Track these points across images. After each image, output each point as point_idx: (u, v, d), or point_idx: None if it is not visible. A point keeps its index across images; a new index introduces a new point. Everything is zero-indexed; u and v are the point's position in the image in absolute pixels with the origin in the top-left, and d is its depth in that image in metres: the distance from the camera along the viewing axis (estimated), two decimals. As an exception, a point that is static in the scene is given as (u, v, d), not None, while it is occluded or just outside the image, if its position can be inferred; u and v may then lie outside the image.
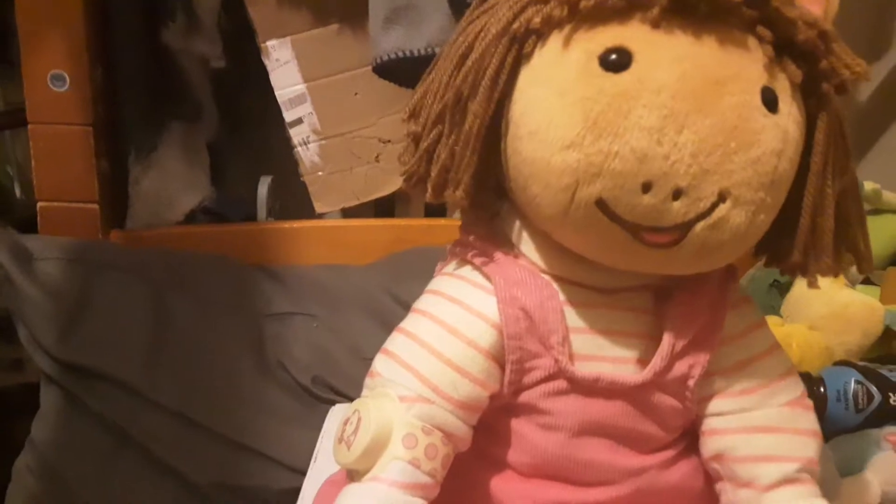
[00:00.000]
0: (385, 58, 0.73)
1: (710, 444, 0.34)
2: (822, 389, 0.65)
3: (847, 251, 0.33)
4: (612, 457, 0.33)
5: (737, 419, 0.33)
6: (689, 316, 0.32)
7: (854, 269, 0.80)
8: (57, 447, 0.58)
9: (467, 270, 0.34)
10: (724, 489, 0.33)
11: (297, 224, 0.80)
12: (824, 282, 0.82)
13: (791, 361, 0.35)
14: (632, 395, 0.32)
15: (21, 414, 0.68)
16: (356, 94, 0.82)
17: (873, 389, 0.63)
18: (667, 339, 0.32)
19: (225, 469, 0.58)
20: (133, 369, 0.59)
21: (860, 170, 1.03)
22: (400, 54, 0.72)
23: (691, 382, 0.33)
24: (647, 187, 0.27)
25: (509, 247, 0.34)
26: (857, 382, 0.64)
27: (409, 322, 0.34)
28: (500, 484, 0.34)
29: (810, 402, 0.35)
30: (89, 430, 0.58)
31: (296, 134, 0.80)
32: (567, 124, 0.28)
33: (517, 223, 0.34)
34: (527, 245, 0.34)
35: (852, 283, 0.78)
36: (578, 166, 0.28)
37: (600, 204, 0.28)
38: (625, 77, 0.27)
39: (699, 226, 0.28)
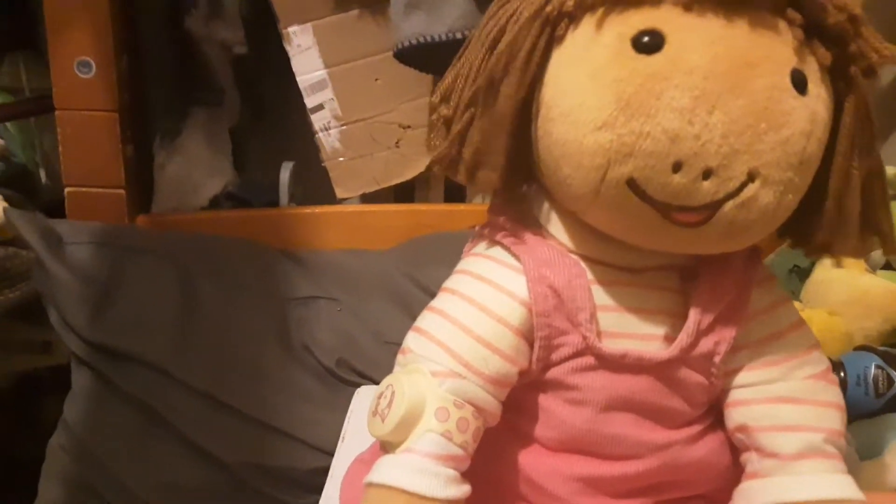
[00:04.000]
0: (406, 43, 0.73)
1: (735, 416, 0.34)
2: (841, 374, 0.65)
3: (872, 233, 0.33)
4: (638, 431, 0.34)
5: (761, 390, 0.34)
6: (715, 293, 0.33)
7: (876, 253, 0.80)
8: (89, 427, 0.59)
9: (496, 251, 0.35)
10: (750, 459, 0.34)
11: (318, 209, 0.81)
12: (844, 267, 0.82)
13: (815, 338, 0.35)
14: (658, 370, 0.33)
15: (50, 395, 0.70)
16: (377, 79, 0.82)
17: (893, 374, 0.63)
18: (693, 315, 0.32)
19: (253, 449, 0.59)
20: (162, 350, 0.61)
21: (882, 154, 1.03)
22: (421, 40, 0.72)
23: (717, 359, 0.33)
24: (677, 167, 0.28)
25: (537, 228, 0.35)
26: (878, 367, 0.64)
27: (440, 301, 0.35)
28: (528, 458, 0.35)
29: (835, 378, 0.35)
30: (120, 410, 0.60)
31: (317, 120, 0.81)
32: (599, 105, 0.28)
33: (546, 204, 0.35)
34: (555, 226, 0.34)
35: (873, 269, 0.78)
36: (611, 147, 0.28)
37: (631, 184, 0.29)
38: (657, 59, 0.28)
39: (728, 205, 0.28)
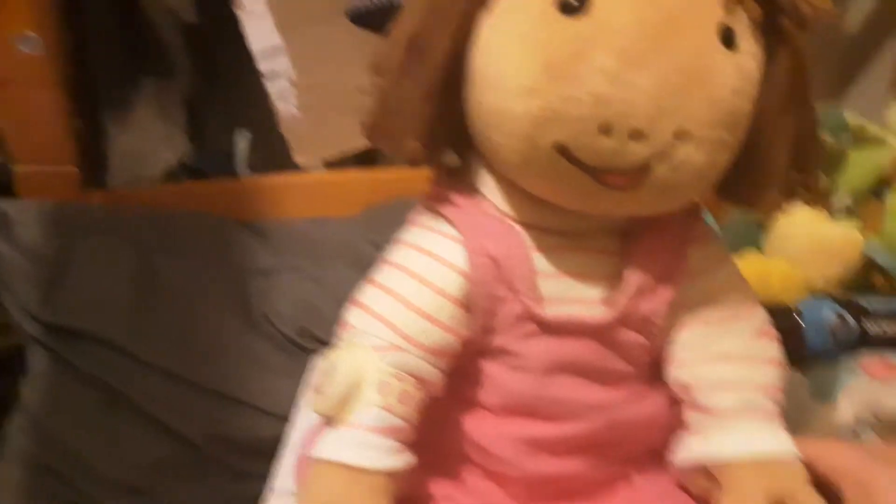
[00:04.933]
0: (362, 7, 0.71)
1: (674, 373, 0.35)
2: (799, 321, 0.66)
3: (799, 188, 0.33)
4: (581, 393, 0.34)
5: (699, 349, 0.34)
6: (652, 254, 0.33)
7: (838, 200, 0.80)
8: (48, 407, 0.59)
9: (436, 221, 0.35)
10: (690, 417, 0.34)
11: (278, 178, 0.79)
12: (806, 217, 0.83)
13: (755, 294, 0.36)
14: (599, 333, 0.33)
15: (10, 375, 0.69)
16: (333, 43, 0.80)
17: (849, 319, 0.64)
18: (630, 278, 0.32)
19: (216, 422, 0.59)
20: (118, 328, 0.60)
21: (846, 101, 1.03)
22: (375, 1, 0.71)
23: (656, 319, 0.33)
24: (606, 130, 0.27)
25: (477, 196, 0.34)
26: (834, 312, 0.65)
27: (380, 274, 0.35)
28: (474, 422, 0.35)
29: (774, 333, 0.35)
30: (79, 390, 0.59)
31: (273, 86, 0.79)
32: (526, 71, 0.28)
33: (484, 172, 0.34)
34: (494, 193, 0.34)
35: (834, 216, 0.78)
36: (539, 113, 0.28)
37: (561, 149, 0.28)
38: (583, 21, 0.27)
39: (659, 167, 0.28)
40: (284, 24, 0.80)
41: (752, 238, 0.82)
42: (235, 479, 0.58)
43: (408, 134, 0.31)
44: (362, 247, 0.70)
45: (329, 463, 0.31)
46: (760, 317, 0.35)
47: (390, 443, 0.32)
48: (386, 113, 0.32)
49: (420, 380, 0.33)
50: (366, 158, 0.87)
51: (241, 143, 0.80)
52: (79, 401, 0.59)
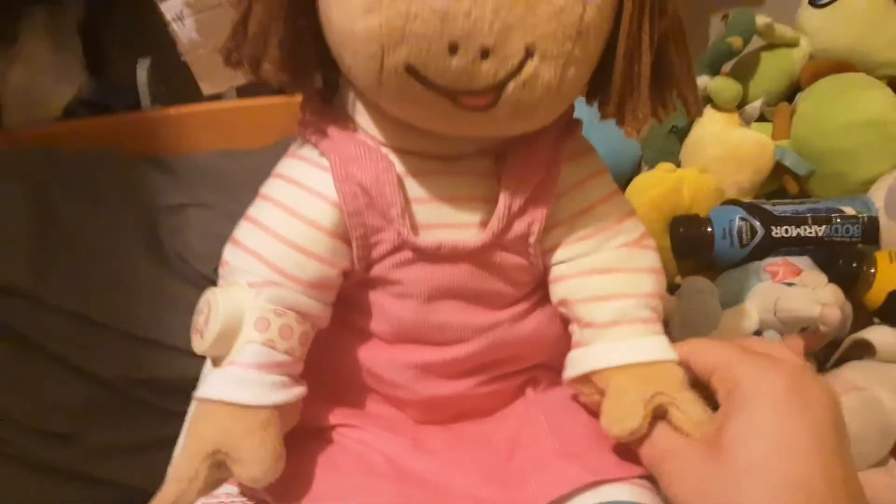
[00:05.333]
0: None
1: (555, 291, 0.35)
2: (709, 229, 0.68)
3: (670, 95, 0.32)
4: (464, 317, 0.34)
5: (575, 265, 0.34)
6: (523, 175, 0.32)
7: (751, 107, 0.80)
8: (-43, 359, 0.57)
9: (306, 150, 0.34)
10: (573, 330, 0.35)
11: (184, 109, 0.76)
12: (719, 123, 0.83)
13: (630, 207, 0.36)
14: (475, 257, 0.33)
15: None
16: (232, -41, 0.76)
17: (756, 224, 0.66)
18: (502, 200, 0.32)
19: (134, 363, 0.58)
20: (21, 274, 0.58)
21: (766, 7, 1.02)
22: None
23: (532, 239, 0.33)
24: (453, 48, 0.26)
25: (347, 122, 0.33)
26: (742, 219, 0.67)
27: (254, 208, 0.34)
28: (365, 351, 0.36)
29: (650, 243, 0.35)
30: (-12, 340, 0.58)
31: (167, 9, 0.74)
32: None
33: (351, 96, 0.33)
34: (363, 118, 0.33)
35: (747, 122, 0.79)
36: (381, 31, 0.26)
37: (410, 70, 0.27)
38: None
39: (511, 85, 0.27)
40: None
41: (672, 149, 0.83)
42: (157, 418, 0.58)
43: (263, 58, 0.30)
44: (277, 177, 0.69)
45: (212, 401, 0.31)
46: (635, 228, 0.35)
47: (274, 377, 0.32)
48: (239, 36, 0.30)
49: (301, 313, 0.33)
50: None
51: (142, 72, 0.76)
52: (-12, 351, 0.58)
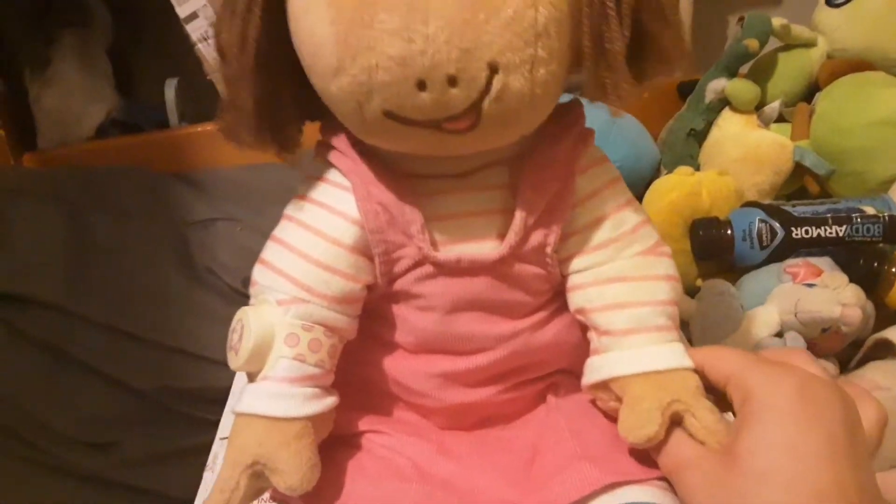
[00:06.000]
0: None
1: (573, 299, 0.36)
2: (728, 231, 0.68)
3: (657, 62, 0.31)
4: (485, 327, 0.35)
5: (592, 274, 0.35)
6: (539, 186, 0.33)
7: (769, 108, 0.80)
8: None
9: (328, 171, 0.35)
10: (591, 337, 0.36)
11: (210, 126, 0.78)
12: (738, 125, 0.83)
13: (645, 213, 0.36)
14: (493, 269, 0.34)
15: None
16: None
17: (776, 226, 0.67)
18: (518, 214, 0.33)
19: (165, 373, 0.60)
20: (57, 290, 0.61)
21: (783, 8, 1.02)
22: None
23: (549, 249, 0.34)
24: (421, 86, 0.27)
25: (363, 144, 0.35)
26: (762, 221, 0.67)
27: (279, 229, 0.35)
28: (391, 361, 0.37)
29: (666, 250, 0.36)
30: (28, 352, 0.60)
31: (193, 30, 0.77)
32: (328, 53, 0.27)
33: None
34: (374, 147, 0.34)
35: (766, 124, 0.79)
36: (352, 88, 0.28)
37: (389, 114, 0.28)
38: None
39: (485, 103, 0.28)
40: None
41: (690, 152, 0.83)
42: (191, 427, 0.60)
43: (249, 126, 0.31)
44: (301, 189, 0.71)
45: (248, 416, 0.32)
46: (650, 235, 0.36)
47: (306, 390, 0.33)
48: (229, 115, 0.32)
49: (329, 328, 0.34)
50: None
51: (170, 91, 0.78)
52: (28, 364, 0.60)
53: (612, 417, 0.35)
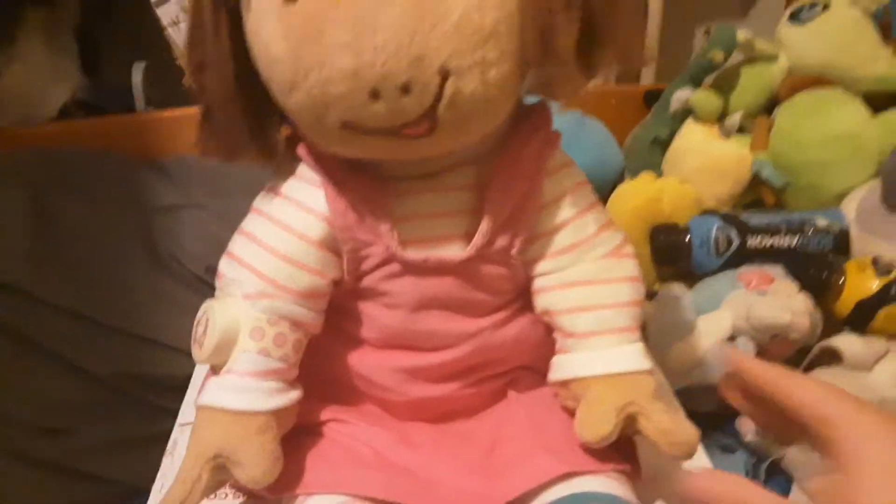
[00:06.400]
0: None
1: (538, 302, 0.37)
2: (687, 238, 0.70)
3: (609, 51, 0.31)
4: (448, 324, 0.36)
5: (556, 277, 0.36)
6: (506, 189, 0.34)
7: (730, 120, 0.82)
8: (-44, 356, 0.59)
9: (301, 168, 0.35)
10: (557, 338, 0.37)
11: (178, 112, 0.77)
12: (700, 135, 0.85)
13: (607, 218, 0.37)
14: (459, 269, 0.35)
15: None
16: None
17: (733, 234, 0.69)
18: (486, 216, 0.34)
19: (127, 360, 0.60)
20: (19, 272, 0.59)
21: (748, 21, 1.04)
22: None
23: (514, 251, 0.35)
24: (374, 95, 0.27)
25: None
26: (719, 229, 0.69)
27: (248, 222, 0.36)
28: (357, 356, 0.37)
29: (629, 251, 0.37)
30: (-15, 336, 0.59)
31: (164, 14, 0.76)
32: (283, 69, 0.28)
33: None
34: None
35: (727, 134, 0.81)
36: (306, 102, 0.28)
37: (346, 125, 0.29)
38: (303, 4, 0.27)
39: (440, 108, 0.28)
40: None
41: (654, 159, 0.85)
42: (151, 415, 0.59)
43: (234, 140, 0.32)
44: (267, 179, 0.70)
45: (211, 409, 0.33)
46: (613, 238, 0.37)
47: (270, 384, 0.33)
48: (206, 131, 0.32)
49: (294, 322, 0.34)
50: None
51: (137, 75, 0.77)
52: (-15, 347, 0.59)
53: (571, 412, 0.36)
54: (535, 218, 0.35)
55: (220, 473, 0.33)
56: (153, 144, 0.75)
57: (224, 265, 0.35)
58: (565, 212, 0.36)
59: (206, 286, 0.65)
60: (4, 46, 0.75)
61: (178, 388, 0.61)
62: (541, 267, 0.36)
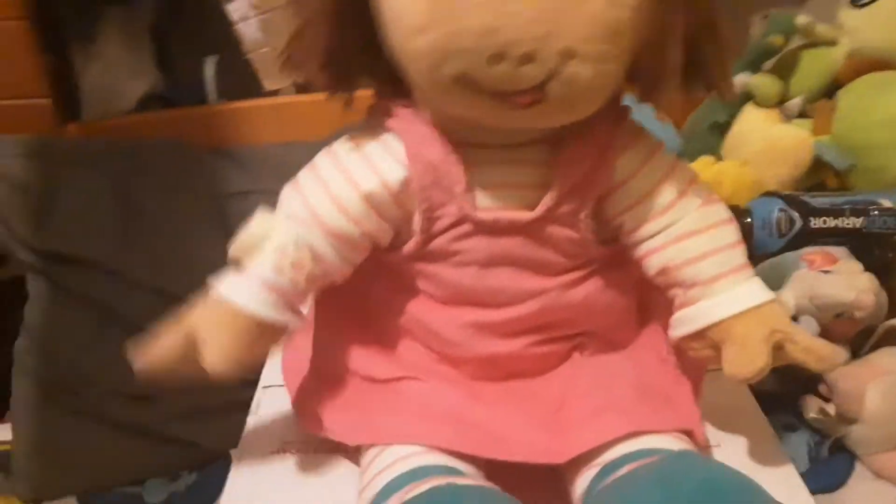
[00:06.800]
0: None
1: (652, 262, 0.38)
2: (748, 220, 0.70)
3: (701, 84, 0.35)
4: (516, 282, 0.38)
5: (665, 235, 0.37)
6: (575, 161, 0.36)
7: (792, 103, 0.82)
8: (49, 328, 0.63)
9: (380, 128, 0.37)
10: (676, 294, 0.38)
11: (248, 103, 0.81)
12: (760, 119, 0.85)
13: (693, 171, 0.39)
14: (528, 229, 0.37)
15: (11, 305, 0.73)
16: (293, -36, 0.81)
17: (795, 215, 0.68)
18: (555, 184, 0.36)
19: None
20: (107, 251, 0.63)
21: (808, 6, 1.03)
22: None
23: (582, 215, 0.37)
24: (498, 58, 0.29)
25: (416, 110, 0.37)
26: (780, 210, 0.69)
27: (319, 157, 0.38)
28: (426, 312, 0.39)
29: (716, 197, 0.39)
30: (75, 310, 0.63)
31: (234, 10, 0.80)
32: (414, 11, 0.29)
33: (417, 94, 0.37)
34: (429, 112, 0.36)
35: (787, 119, 0.81)
36: (431, 48, 0.30)
37: (461, 78, 0.30)
38: None
39: (553, 84, 0.30)
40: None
41: (712, 143, 0.85)
42: (227, 384, 0.62)
43: (312, 63, 0.34)
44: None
45: (211, 292, 0.37)
46: (702, 188, 0.38)
47: (270, 297, 0.36)
48: (293, 42, 0.34)
49: (317, 255, 0.37)
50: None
51: (209, 69, 0.81)
52: (75, 320, 0.63)
53: (634, 376, 0.37)
54: (611, 188, 0.37)
55: (190, 349, 0.36)
56: (224, 134, 0.79)
57: (287, 187, 0.38)
58: (650, 180, 0.37)
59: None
60: (86, 45, 0.80)
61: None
62: (646, 230, 0.38)
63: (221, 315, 0.36)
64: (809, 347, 0.35)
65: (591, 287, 0.40)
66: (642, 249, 0.38)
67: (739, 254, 0.38)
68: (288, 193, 0.38)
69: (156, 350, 0.36)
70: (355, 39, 0.34)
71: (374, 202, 0.37)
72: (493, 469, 0.36)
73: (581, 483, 0.35)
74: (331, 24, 0.33)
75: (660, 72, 0.33)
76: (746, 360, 0.35)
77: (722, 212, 0.38)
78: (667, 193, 0.38)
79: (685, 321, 0.38)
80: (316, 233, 0.37)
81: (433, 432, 0.36)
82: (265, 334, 0.37)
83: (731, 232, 0.38)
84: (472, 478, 0.34)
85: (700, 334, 0.37)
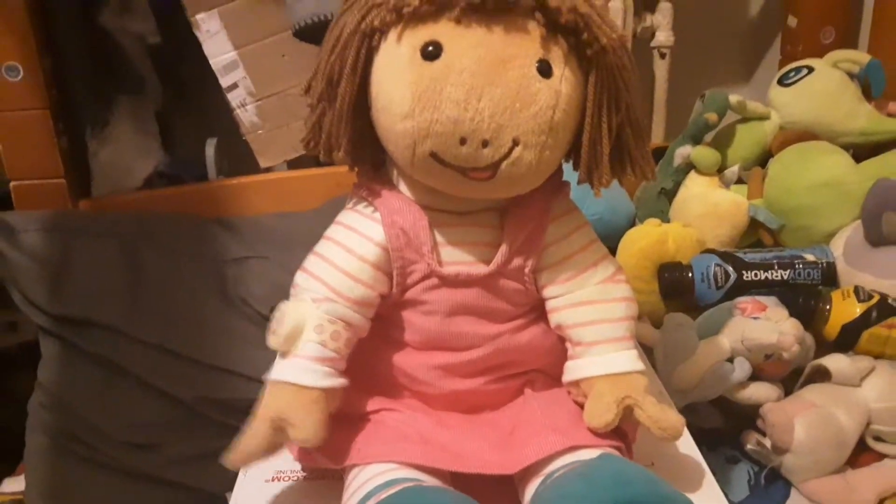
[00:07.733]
0: (302, 24, 0.82)
1: (552, 318, 0.46)
2: (689, 274, 0.79)
3: (627, 166, 0.43)
4: (475, 328, 0.45)
5: (566, 299, 0.45)
6: (519, 225, 0.44)
7: (730, 171, 0.92)
8: (61, 384, 0.69)
9: (361, 205, 0.46)
10: (568, 347, 0.46)
11: (244, 179, 0.90)
12: (701, 186, 0.95)
13: (605, 251, 0.47)
14: (484, 282, 0.44)
15: (20, 370, 0.80)
16: (283, 55, 0.90)
17: (729, 269, 0.77)
18: (504, 242, 0.44)
19: (205, 386, 0.70)
20: (116, 313, 0.71)
21: (752, 85, 1.15)
22: (315, 19, 0.81)
23: (527, 270, 0.45)
24: (463, 141, 0.38)
25: (391, 186, 0.45)
26: (717, 265, 0.78)
27: (319, 246, 0.46)
28: (401, 357, 0.47)
29: (622, 277, 0.46)
30: (86, 367, 0.70)
31: (233, 98, 0.89)
32: (402, 101, 0.38)
33: (394, 169, 0.45)
34: (402, 185, 0.45)
35: (727, 185, 0.91)
36: (414, 131, 0.38)
37: (433, 156, 0.39)
38: (438, 64, 0.38)
39: (503, 164, 0.39)
40: (238, 41, 0.89)
41: (661, 207, 0.95)
42: (225, 433, 0.68)
43: (335, 148, 0.42)
44: (321, 234, 0.82)
45: (279, 383, 0.42)
46: (609, 267, 0.46)
47: (325, 369, 0.43)
48: (316, 131, 0.43)
49: (348, 323, 0.44)
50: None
51: (210, 149, 0.90)
52: (86, 377, 0.70)
53: (580, 407, 0.45)
54: (542, 249, 0.45)
55: (278, 435, 0.42)
56: (224, 206, 0.87)
57: (299, 276, 0.45)
58: (569, 248, 0.45)
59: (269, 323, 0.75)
60: (100, 129, 0.89)
61: (248, 409, 0.70)
62: (552, 291, 0.46)
63: (295, 398, 0.42)
64: (653, 416, 0.42)
65: (535, 331, 0.47)
66: (549, 305, 0.46)
67: (623, 328, 0.45)
68: (304, 280, 0.44)
69: (249, 447, 0.42)
70: (361, 127, 0.42)
71: (377, 263, 0.44)
72: (456, 484, 0.43)
73: (529, 491, 0.42)
74: (349, 118, 0.41)
75: (592, 160, 0.41)
76: (598, 413, 0.42)
77: (620, 290, 0.46)
78: (575, 265, 0.45)
79: (567, 371, 0.46)
80: (342, 305, 0.43)
81: (405, 451, 0.43)
82: (331, 400, 0.43)
83: (622, 308, 0.45)
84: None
85: (575, 384, 0.45)
